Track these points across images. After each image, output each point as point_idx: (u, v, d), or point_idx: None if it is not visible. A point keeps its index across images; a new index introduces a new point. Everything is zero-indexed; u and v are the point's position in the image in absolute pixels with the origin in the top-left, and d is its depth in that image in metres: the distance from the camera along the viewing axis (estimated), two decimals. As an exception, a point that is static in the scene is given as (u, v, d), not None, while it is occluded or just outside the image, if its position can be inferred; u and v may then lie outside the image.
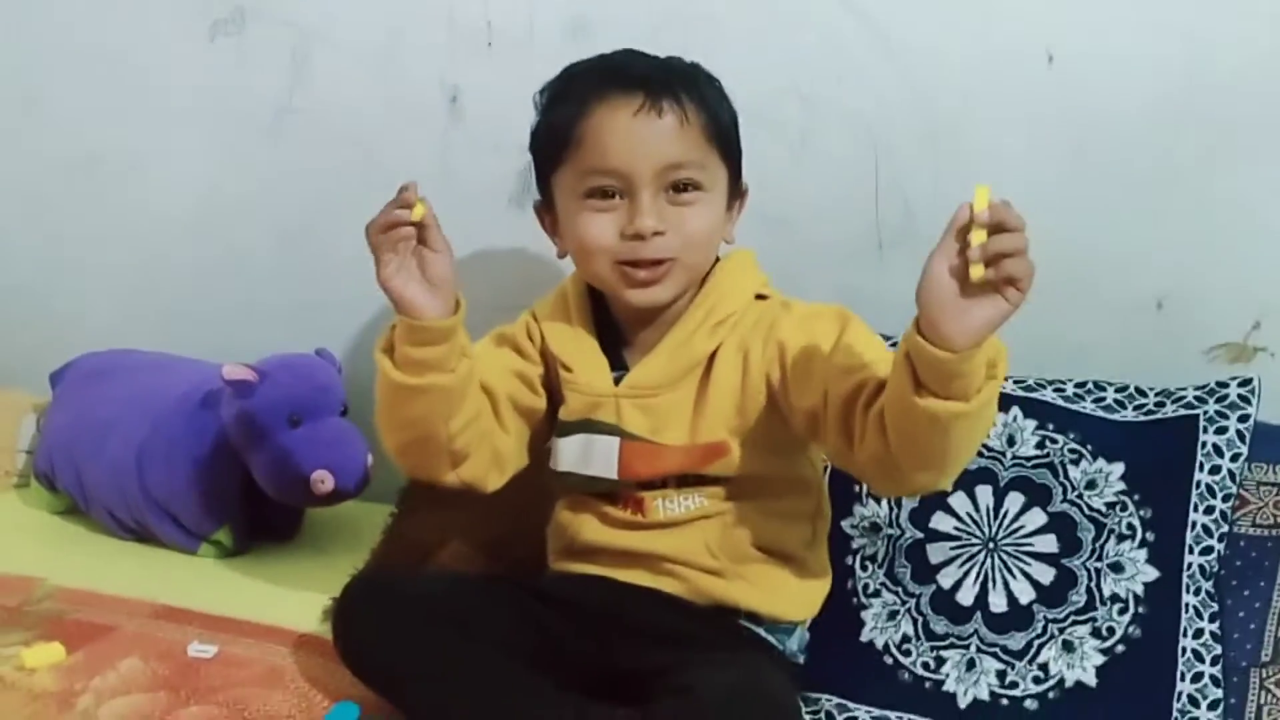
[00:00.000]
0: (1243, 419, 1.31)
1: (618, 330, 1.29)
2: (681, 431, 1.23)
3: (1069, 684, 1.25)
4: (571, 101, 1.23)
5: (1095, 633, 1.26)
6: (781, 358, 1.21)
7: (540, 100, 1.29)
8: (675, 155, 1.20)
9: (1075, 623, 1.27)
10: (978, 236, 0.99)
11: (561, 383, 1.29)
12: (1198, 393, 1.35)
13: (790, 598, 1.26)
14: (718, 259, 1.30)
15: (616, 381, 1.25)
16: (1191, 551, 1.28)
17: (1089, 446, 1.33)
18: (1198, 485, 1.30)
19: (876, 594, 1.33)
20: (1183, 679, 1.23)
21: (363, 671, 1.21)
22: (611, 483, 1.24)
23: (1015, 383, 1.40)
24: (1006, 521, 1.32)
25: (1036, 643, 1.27)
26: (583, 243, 1.23)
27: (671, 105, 1.20)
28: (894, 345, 1.43)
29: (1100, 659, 1.25)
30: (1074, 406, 1.37)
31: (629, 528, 1.25)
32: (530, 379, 1.31)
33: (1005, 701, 1.26)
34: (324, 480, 1.48)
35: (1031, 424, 1.36)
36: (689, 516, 1.24)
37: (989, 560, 1.31)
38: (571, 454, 1.27)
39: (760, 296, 1.28)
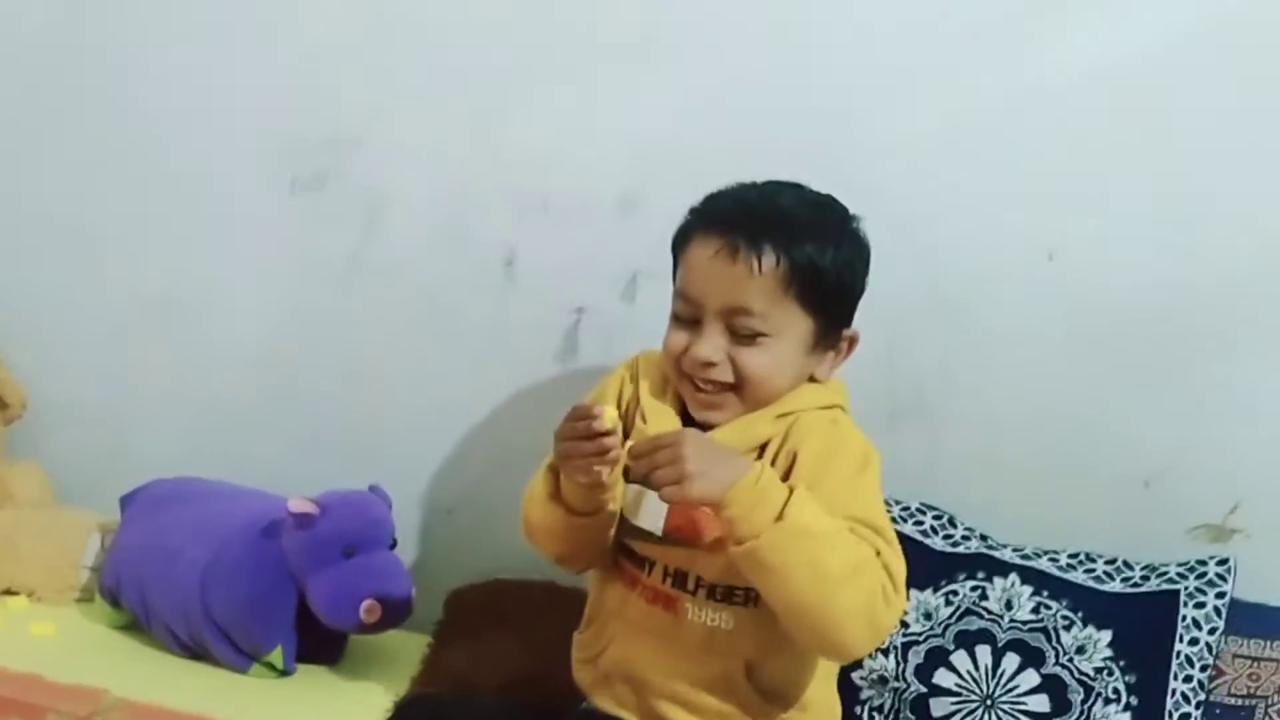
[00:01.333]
0: (1220, 595, 1.44)
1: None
2: None
3: (1058, 837, 1.35)
4: (686, 226, 1.36)
5: (1083, 791, 1.37)
6: (788, 470, 1.28)
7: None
8: (738, 300, 1.28)
9: (1065, 780, 1.38)
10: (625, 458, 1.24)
11: (633, 431, 1.36)
12: (1179, 569, 1.47)
13: None
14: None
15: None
16: (1171, 716, 1.39)
17: (1080, 614, 1.45)
18: (1178, 655, 1.41)
19: (882, 744, 1.44)
20: (1162, 837, 1.34)
21: None
22: (654, 538, 1.32)
23: (1014, 550, 1.52)
24: (1003, 680, 1.43)
25: (1029, 796, 1.38)
26: (665, 347, 1.35)
27: (748, 253, 1.27)
28: (902, 508, 1.57)
29: (1087, 817, 1.36)
30: (1067, 576, 1.49)
31: (655, 640, 1.33)
32: None
33: None
34: (372, 610, 1.59)
35: (1028, 590, 1.48)
36: (715, 626, 1.31)
37: (987, 716, 1.42)
38: (628, 498, 1.35)
39: (831, 408, 1.34)
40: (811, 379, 1.36)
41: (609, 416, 1.23)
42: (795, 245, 1.28)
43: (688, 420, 1.35)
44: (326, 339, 1.91)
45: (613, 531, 1.36)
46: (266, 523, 1.66)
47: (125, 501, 1.80)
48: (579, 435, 1.24)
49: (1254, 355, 1.55)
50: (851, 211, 1.37)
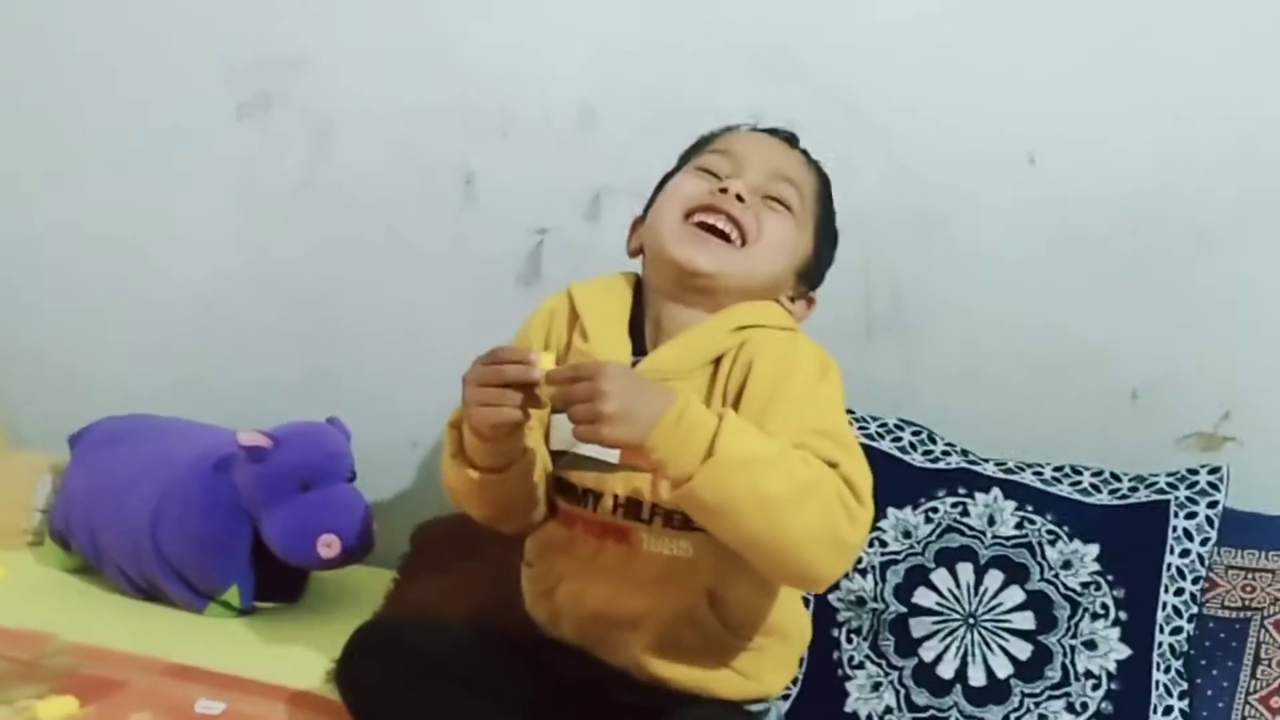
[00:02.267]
0: (1211, 505, 1.38)
1: (645, 325, 1.28)
2: None
3: (1044, 756, 1.30)
4: (714, 131, 1.35)
5: (1069, 708, 1.31)
6: (742, 384, 1.19)
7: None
8: (786, 169, 1.29)
9: (1050, 697, 1.32)
10: (545, 392, 1.11)
11: (570, 355, 1.26)
12: (1169, 479, 1.41)
13: (762, 675, 1.26)
14: None
15: (634, 364, 1.23)
16: (1162, 631, 1.33)
17: (1065, 528, 1.39)
18: (1168, 568, 1.35)
19: (861, 666, 1.38)
20: (1153, 754, 1.28)
21: (363, 713, 1.26)
22: (609, 466, 1.21)
23: (996, 465, 1.46)
24: (986, 598, 1.38)
25: (1013, 717, 1.32)
26: (669, 194, 1.29)
27: (804, 155, 1.33)
28: (880, 424, 1.50)
29: (1074, 733, 1.30)
30: (1052, 489, 1.43)
31: (610, 575, 1.23)
32: None
33: (983, 773, 1.31)
34: (330, 545, 1.54)
35: (1011, 505, 1.42)
36: (673, 555, 1.21)
37: (969, 635, 1.36)
38: (568, 430, 1.15)
39: (789, 329, 1.27)
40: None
41: (546, 362, 1.11)
42: (821, 183, 1.32)
43: (637, 347, 1.26)
44: (279, 269, 1.85)
45: (539, 482, 1.25)
46: (218, 457, 1.60)
47: (74, 441, 1.74)
48: (502, 381, 1.12)
49: (1241, 257, 1.49)
50: None
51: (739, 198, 1.24)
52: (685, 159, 1.35)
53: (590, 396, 1.06)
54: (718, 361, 1.23)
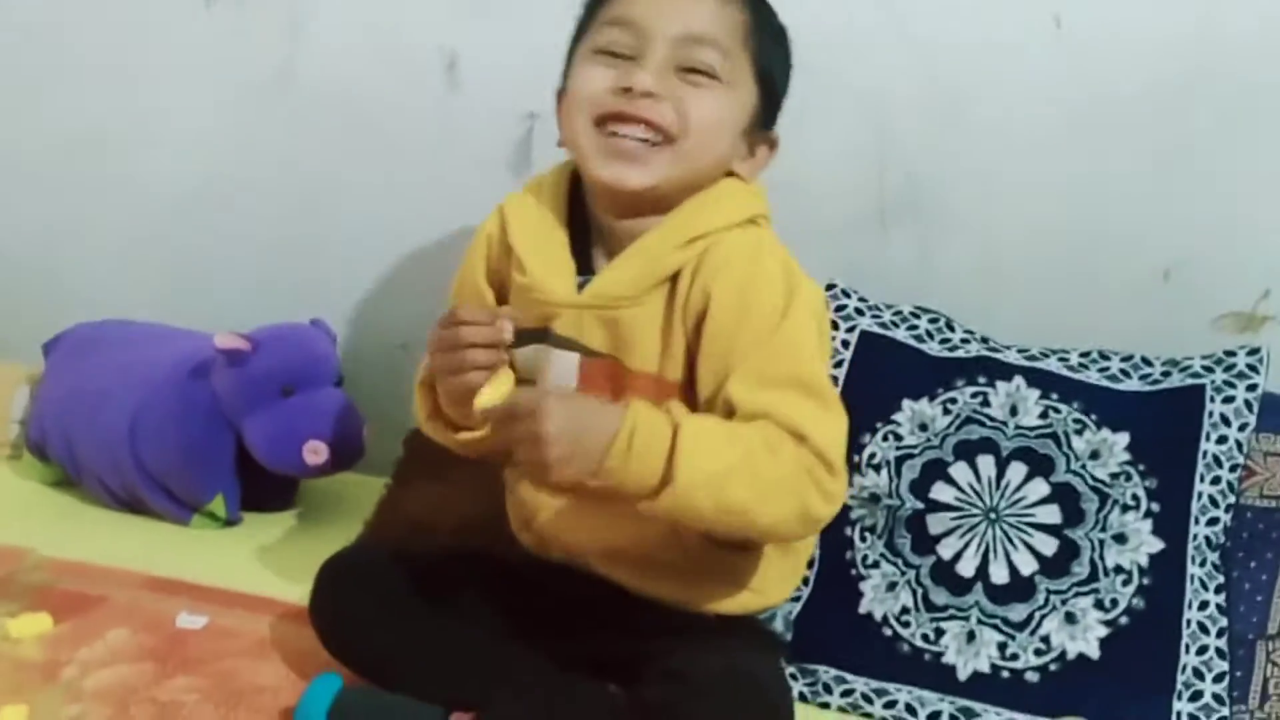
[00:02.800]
0: (1250, 388, 1.29)
1: (590, 233, 1.18)
2: (650, 357, 1.13)
3: (1071, 656, 1.23)
4: None
5: (1098, 604, 1.24)
6: (699, 319, 1.11)
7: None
8: (700, 27, 1.11)
9: (1078, 594, 1.25)
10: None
11: (512, 288, 1.19)
12: (1205, 362, 1.33)
13: (764, 588, 1.20)
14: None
15: (580, 287, 1.15)
16: (1197, 522, 1.26)
17: (1093, 416, 1.31)
18: (1204, 455, 1.27)
19: (875, 565, 1.31)
20: (1187, 651, 1.21)
21: (341, 651, 1.19)
22: None
23: (1019, 352, 1.38)
24: (1008, 492, 1.30)
25: (1038, 614, 1.25)
26: (572, 95, 1.14)
27: None
28: (894, 312, 1.42)
29: (1103, 631, 1.23)
30: (1078, 376, 1.34)
31: (590, 503, 1.14)
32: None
33: (1006, 674, 1.24)
34: (317, 451, 1.47)
35: (1035, 393, 1.34)
36: None
37: (990, 531, 1.29)
38: (527, 363, 1.15)
39: (751, 223, 1.16)
40: (730, 174, 1.18)
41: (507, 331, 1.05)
42: (757, 9, 1.16)
43: (583, 265, 1.17)
44: (258, 165, 1.76)
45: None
46: (196, 363, 1.53)
47: (48, 348, 1.68)
48: (467, 343, 1.05)
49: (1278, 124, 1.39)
50: None
51: (648, 93, 1.09)
52: (587, 19, 1.18)
53: (531, 439, 0.98)
54: (674, 279, 1.12)
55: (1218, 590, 1.24)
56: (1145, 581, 1.24)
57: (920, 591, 1.29)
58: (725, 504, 1.01)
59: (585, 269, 1.17)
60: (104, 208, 1.86)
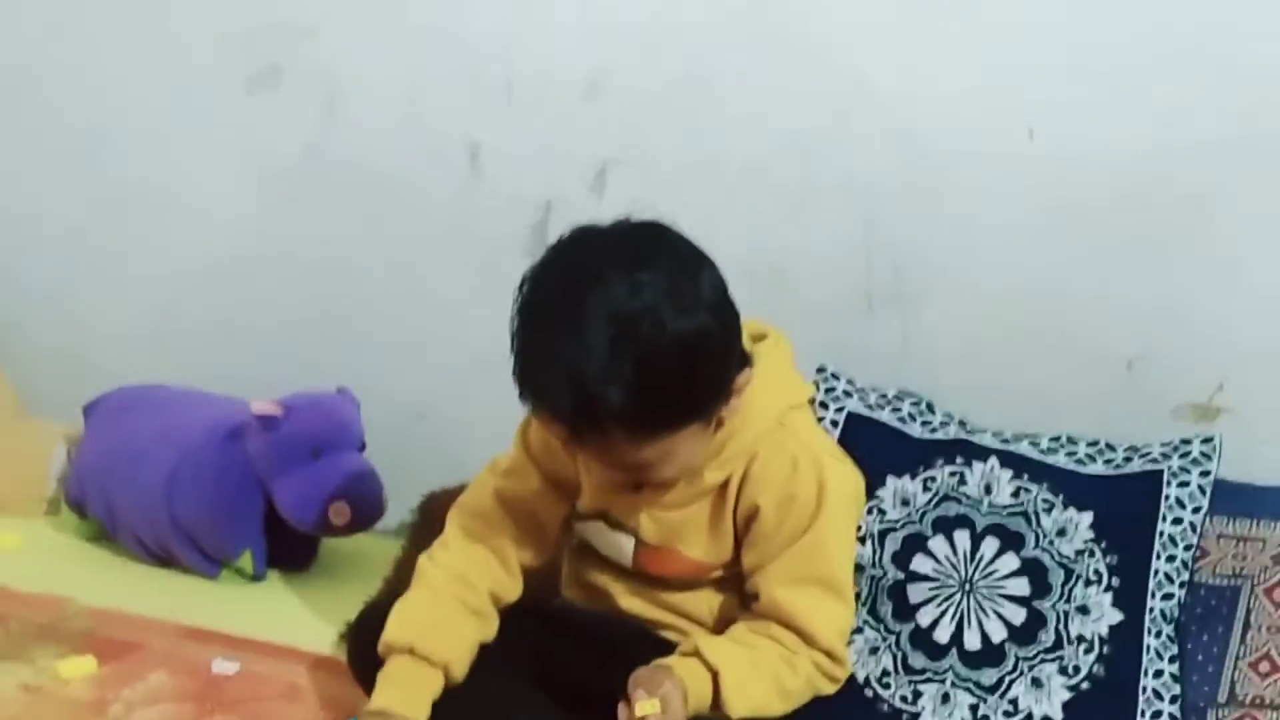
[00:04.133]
0: (1204, 474, 1.39)
1: None
2: (698, 543, 1.32)
3: (1037, 718, 1.33)
4: (519, 383, 1.18)
5: (1062, 670, 1.34)
6: (749, 521, 1.29)
7: (512, 327, 1.21)
8: (609, 460, 1.21)
9: (1044, 661, 1.35)
10: None
11: (581, 470, 1.33)
12: (1163, 449, 1.43)
13: None
14: (746, 358, 1.27)
15: (636, 487, 1.30)
16: (1154, 597, 1.36)
17: (1060, 496, 1.41)
18: (1161, 535, 1.38)
19: (859, 630, 1.41)
20: (1143, 716, 1.31)
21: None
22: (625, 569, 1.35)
23: (993, 435, 1.48)
24: (982, 565, 1.40)
25: (1008, 679, 1.35)
26: None
27: (594, 437, 1.16)
28: (879, 395, 1.53)
29: (1066, 695, 1.33)
30: (1047, 459, 1.45)
31: (640, 582, 1.35)
32: (552, 492, 1.37)
33: (977, 733, 1.34)
34: (341, 512, 1.57)
35: (1008, 474, 1.44)
36: (700, 591, 1.34)
37: (965, 601, 1.39)
38: (589, 533, 1.37)
39: (789, 408, 1.31)
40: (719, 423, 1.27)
41: None
42: (617, 388, 1.11)
43: None
44: (287, 239, 1.87)
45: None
46: (231, 426, 1.63)
47: (88, 411, 1.77)
48: None
49: (1238, 229, 1.49)
50: (677, 256, 1.19)
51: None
52: None
53: None
54: (721, 486, 1.30)
55: (1172, 660, 1.34)
56: (1105, 650, 1.34)
57: (900, 655, 1.39)
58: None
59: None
60: (136, 272, 1.97)
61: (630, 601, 1.35)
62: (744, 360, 1.24)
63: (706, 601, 1.33)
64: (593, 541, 1.37)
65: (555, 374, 1.12)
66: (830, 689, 1.29)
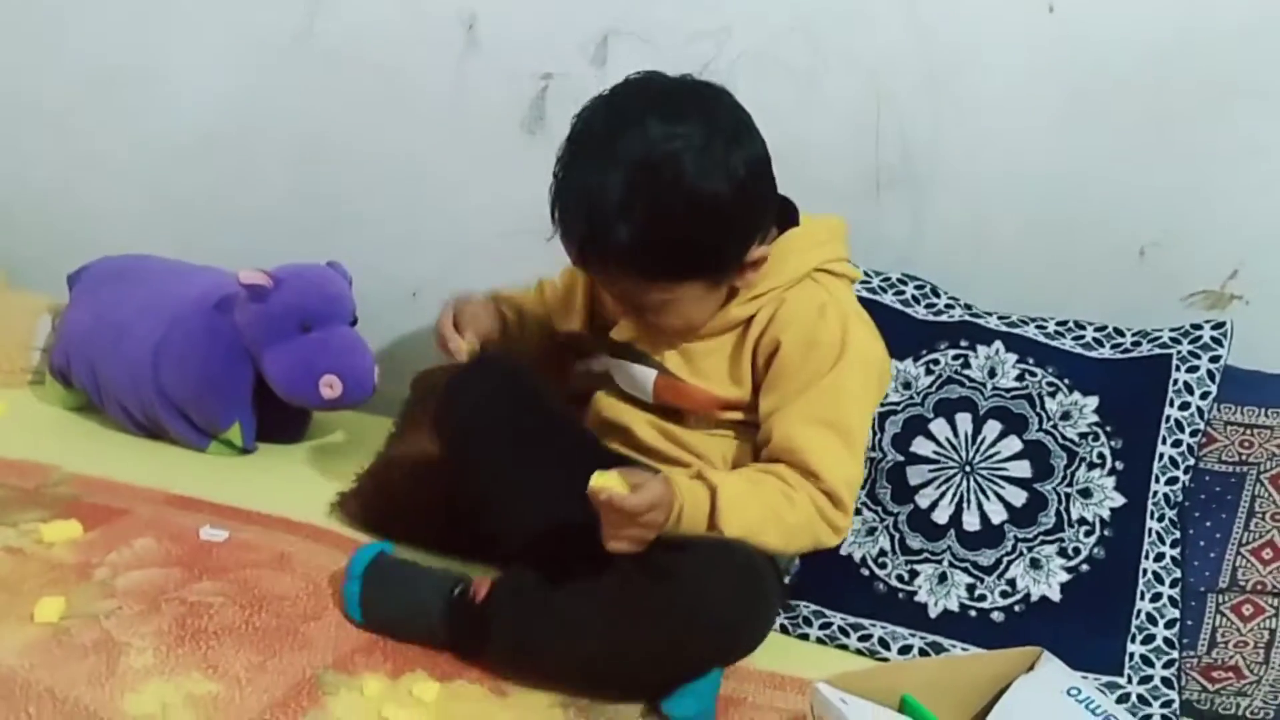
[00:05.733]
0: (1214, 359, 1.38)
1: None
2: (720, 377, 1.31)
3: (1034, 598, 1.32)
4: (552, 204, 1.24)
5: (1062, 552, 1.33)
6: (769, 359, 1.28)
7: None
8: (614, 292, 1.27)
9: (1044, 542, 1.34)
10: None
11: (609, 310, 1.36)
12: (1173, 334, 1.41)
13: None
14: (796, 219, 1.31)
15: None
16: (1158, 481, 1.34)
17: (1066, 380, 1.39)
18: (1167, 420, 1.36)
19: (857, 512, 1.39)
20: (1142, 598, 1.30)
21: (456, 453, 1.33)
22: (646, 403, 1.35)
23: (999, 319, 1.46)
24: (984, 447, 1.38)
25: (1006, 560, 1.34)
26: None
27: (596, 263, 1.23)
28: (883, 278, 1.50)
29: (1065, 576, 1.32)
30: (1054, 343, 1.43)
31: (658, 416, 1.35)
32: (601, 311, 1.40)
33: (973, 613, 1.33)
34: (332, 385, 1.54)
35: (1012, 357, 1.42)
36: (714, 434, 1.33)
37: (965, 483, 1.37)
38: (613, 366, 1.37)
39: (823, 270, 1.30)
40: (786, 224, 1.31)
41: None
42: (629, 229, 1.17)
43: None
44: (279, 114, 1.82)
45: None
46: (219, 297, 1.59)
47: (72, 279, 1.73)
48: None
49: (1256, 118, 1.46)
50: (722, 121, 1.22)
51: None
52: None
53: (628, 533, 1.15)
54: (746, 323, 1.29)
55: (1174, 545, 1.33)
56: (1106, 533, 1.33)
57: (897, 536, 1.38)
58: (757, 542, 1.21)
59: None
60: (125, 146, 1.92)
61: (647, 432, 1.34)
62: (765, 236, 1.27)
63: (720, 447, 1.31)
64: (616, 377, 1.37)
65: (575, 202, 1.20)
66: (832, 538, 1.25)
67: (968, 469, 1.38)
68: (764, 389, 1.29)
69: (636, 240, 1.17)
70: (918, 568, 1.36)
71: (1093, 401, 1.38)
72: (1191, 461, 1.35)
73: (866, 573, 1.37)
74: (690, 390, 1.32)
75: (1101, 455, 1.36)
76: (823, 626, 1.35)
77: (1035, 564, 1.33)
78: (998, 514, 1.35)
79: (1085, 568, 1.32)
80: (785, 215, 1.31)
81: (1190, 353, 1.38)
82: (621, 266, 1.21)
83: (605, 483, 1.11)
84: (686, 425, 1.33)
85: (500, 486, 1.28)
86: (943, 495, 1.38)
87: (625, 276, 1.22)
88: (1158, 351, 1.40)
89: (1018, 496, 1.36)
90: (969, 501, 1.37)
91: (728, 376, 1.30)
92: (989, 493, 1.36)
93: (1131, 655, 1.28)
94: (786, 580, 1.36)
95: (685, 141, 1.17)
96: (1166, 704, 1.25)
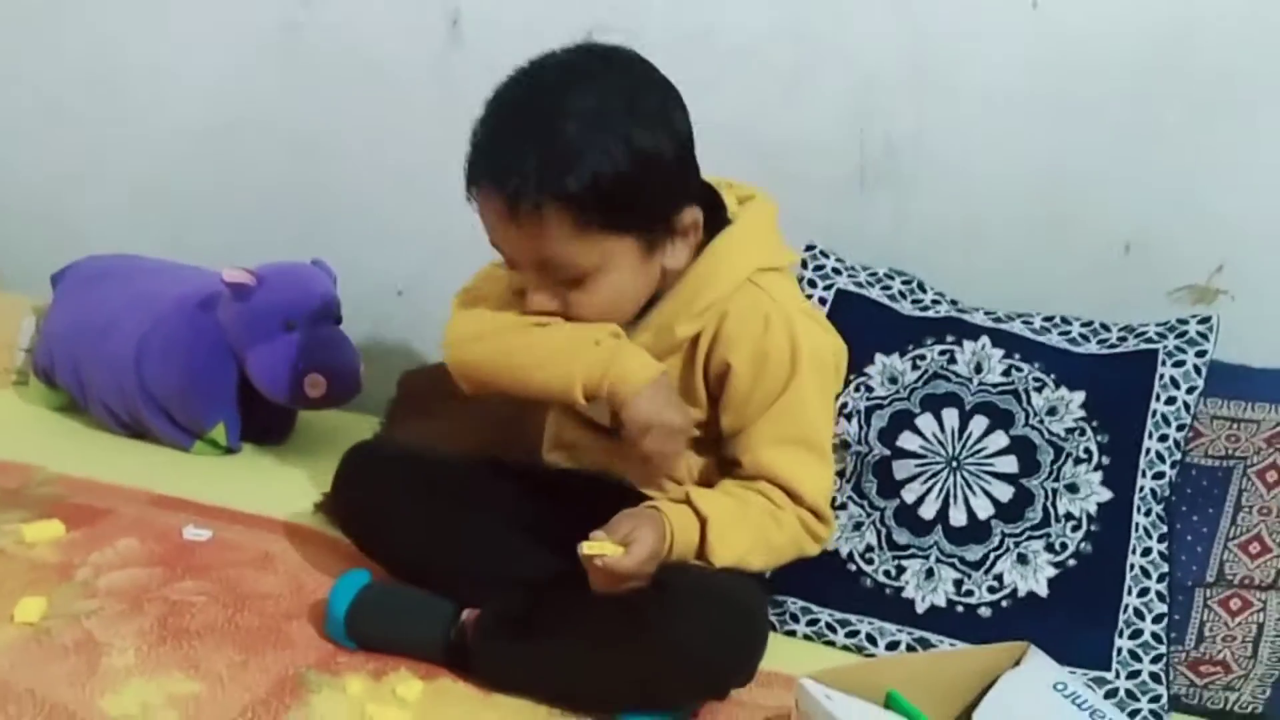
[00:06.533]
0: (1200, 354, 1.37)
1: None
2: None
3: (1021, 594, 1.31)
4: (469, 168, 1.21)
5: (1049, 547, 1.33)
6: (720, 379, 1.25)
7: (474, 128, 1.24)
8: (542, 254, 1.17)
9: (1030, 538, 1.33)
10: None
11: None
12: (1159, 329, 1.41)
13: None
14: (725, 217, 1.27)
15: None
16: (1144, 475, 1.34)
17: (1052, 376, 1.39)
18: (1154, 414, 1.36)
19: (843, 507, 1.39)
20: (1129, 593, 1.30)
21: (360, 536, 1.29)
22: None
23: (985, 314, 1.46)
24: (970, 443, 1.38)
25: (993, 555, 1.33)
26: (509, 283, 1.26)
27: (530, 212, 1.14)
28: (870, 273, 1.49)
29: (1052, 571, 1.32)
30: (1040, 338, 1.42)
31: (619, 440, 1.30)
32: None
33: (960, 608, 1.32)
34: (316, 384, 1.54)
35: (999, 353, 1.41)
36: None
37: (951, 478, 1.37)
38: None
39: (766, 269, 1.26)
40: (717, 197, 1.27)
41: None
42: (574, 174, 1.13)
43: None
44: (266, 111, 1.82)
45: None
46: (202, 295, 1.59)
47: (56, 279, 1.73)
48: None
49: (1242, 113, 1.45)
50: (623, 62, 1.21)
51: (548, 312, 1.21)
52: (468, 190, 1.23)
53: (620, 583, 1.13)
54: (691, 342, 1.25)
55: (1161, 539, 1.32)
56: (1093, 528, 1.33)
57: (884, 532, 1.37)
58: (746, 567, 1.22)
59: None
60: (110, 146, 1.91)
61: (610, 462, 1.31)
62: (687, 224, 1.22)
63: (684, 463, 1.29)
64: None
65: (517, 148, 1.15)
66: (814, 549, 1.27)
67: (954, 464, 1.38)
68: (721, 408, 1.26)
69: (582, 187, 1.12)
70: (905, 563, 1.35)
71: (1079, 397, 1.37)
72: (1178, 456, 1.35)
73: (854, 568, 1.37)
74: None
75: (1088, 450, 1.35)
76: (810, 623, 1.34)
77: (1022, 559, 1.33)
78: (985, 509, 1.35)
79: (1072, 563, 1.32)
80: (712, 210, 1.26)
81: (1176, 347, 1.38)
82: (562, 215, 1.13)
83: (598, 549, 1.09)
84: None
85: (436, 551, 1.25)
86: (929, 490, 1.37)
87: (558, 232, 1.14)
88: (1144, 347, 1.39)
89: (1004, 492, 1.35)
90: (956, 497, 1.36)
91: (681, 397, 1.27)
92: (976, 488, 1.36)
93: (1119, 650, 1.27)
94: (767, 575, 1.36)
95: (619, 97, 1.16)
96: (1155, 699, 1.25)
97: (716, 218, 1.26)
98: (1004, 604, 1.31)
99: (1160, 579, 1.31)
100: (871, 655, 1.31)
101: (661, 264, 1.22)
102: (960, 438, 1.38)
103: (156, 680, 1.11)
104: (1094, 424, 1.36)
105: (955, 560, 1.34)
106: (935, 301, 1.48)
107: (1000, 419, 1.38)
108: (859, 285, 1.49)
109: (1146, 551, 1.32)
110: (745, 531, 1.21)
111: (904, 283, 1.50)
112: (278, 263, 1.60)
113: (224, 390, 1.58)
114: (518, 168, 1.14)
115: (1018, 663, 1.14)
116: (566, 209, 1.14)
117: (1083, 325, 1.44)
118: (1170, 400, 1.36)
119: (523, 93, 1.20)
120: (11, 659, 1.12)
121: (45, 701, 1.08)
